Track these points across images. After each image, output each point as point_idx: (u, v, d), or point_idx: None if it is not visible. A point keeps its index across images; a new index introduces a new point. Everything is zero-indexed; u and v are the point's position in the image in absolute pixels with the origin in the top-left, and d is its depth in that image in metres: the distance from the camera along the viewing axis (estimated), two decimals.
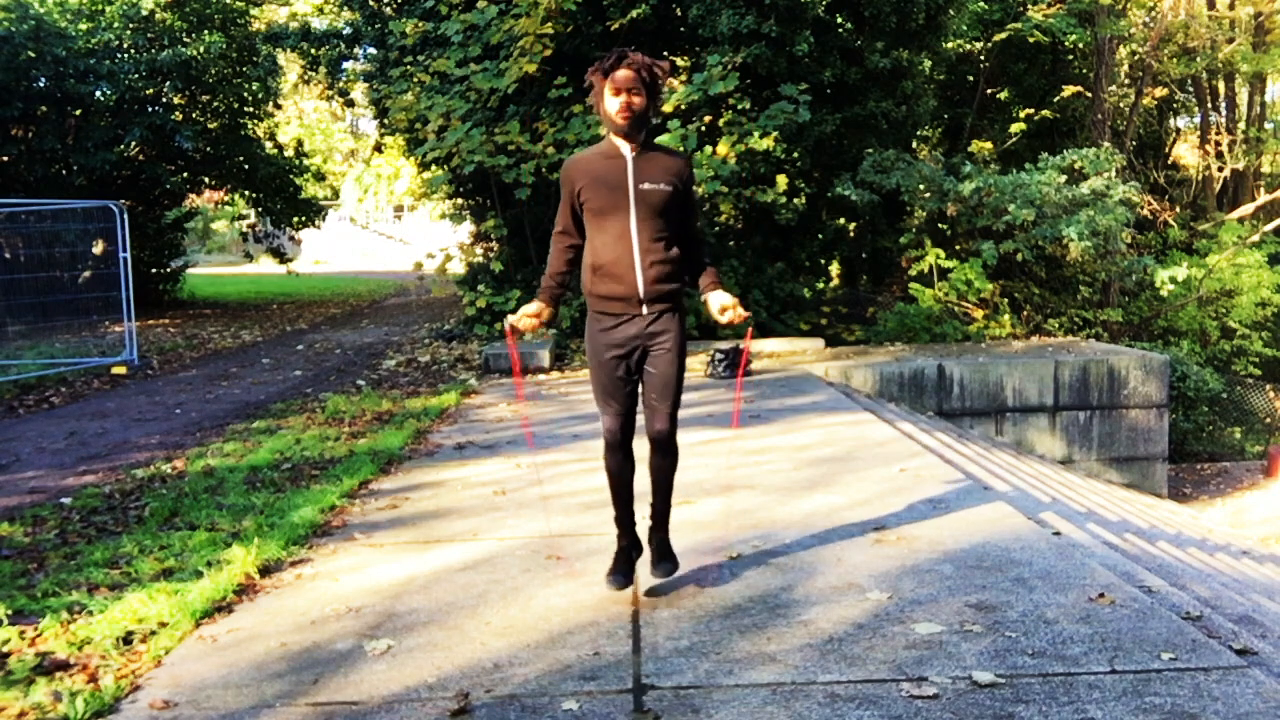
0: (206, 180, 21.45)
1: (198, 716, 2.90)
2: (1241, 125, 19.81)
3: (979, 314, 12.93)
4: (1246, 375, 16.11)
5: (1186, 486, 11.69)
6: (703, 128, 11.12)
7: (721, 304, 3.56)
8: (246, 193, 22.15)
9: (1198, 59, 17.91)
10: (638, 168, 3.49)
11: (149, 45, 17.99)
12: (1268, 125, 20.33)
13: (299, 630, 3.53)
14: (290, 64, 21.95)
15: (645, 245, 3.48)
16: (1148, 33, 18.10)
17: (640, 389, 3.65)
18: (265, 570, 4.18)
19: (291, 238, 28.48)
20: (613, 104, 3.44)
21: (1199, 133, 20.42)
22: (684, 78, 12.22)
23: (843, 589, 3.75)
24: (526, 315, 3.59)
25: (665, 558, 3.77)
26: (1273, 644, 3.48)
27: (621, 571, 3.73)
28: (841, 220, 14.81)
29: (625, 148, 3.51)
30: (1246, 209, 18.60)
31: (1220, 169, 19.06)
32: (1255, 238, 17.35)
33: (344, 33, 16.56)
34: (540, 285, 3.69)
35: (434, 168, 12.65)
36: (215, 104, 20.00)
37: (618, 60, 3.44)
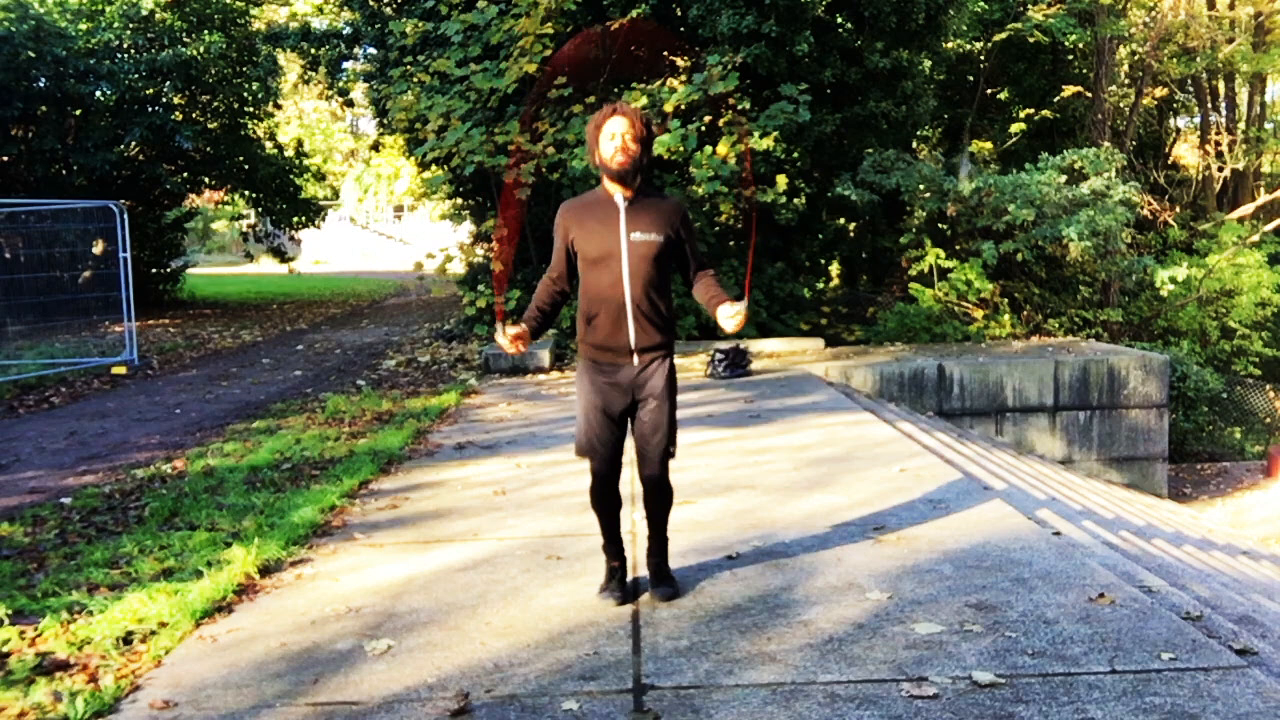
0: (206, 180, 21.45)
1: (198, 716, 2.90)
2: (1241, 125, 19.79)
3: (979, 314, 12.93)
4: (1246, 375, 16.09)
5: (1186, 486, 11.68)
6: (703, 128, 11.11)
7: (727, 314, 3.54)
8: (246, 193, 22.16)
9: (1198, 59, 17.89)
10: (630, 217, 3.52)
11: (149, 45, 17.99)
12: (1268, 125, 20.31)
13: (299, 630, 3.53)
14: (290, 64, 21.94)
15: (637, 296, 3.51)
16: (1148, 33, 18.08)
17: (630, 436, 3.67)
18: (265, 570, 4.18)
19: (291, 238, 28.49)
20: (608, 148, 3.48)
21: (1199, 133, 20.40)
22: (684, 78, 12.22)
23: (843, 589, 3.75)
24: (513, 335, 3.54)
25: (665, 581, 3.78)
26: (1273, 644, 3.48)
27: (617, 589, 3.73)
28: (841, 220, 14.80)
29: (619, 195, 3.54)
30: (1246, 209, 18.58)
31: (1220, 169, 19.04)
32: (1255, 238, 17.33)
33: (344, 33, 16.55)
34: (527, 310, 3.69)
35: (434, 168, 12.64)
36: (215, 104, 20.00)
37: (615, 109, 3.51)
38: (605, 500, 3.69)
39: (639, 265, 3.50)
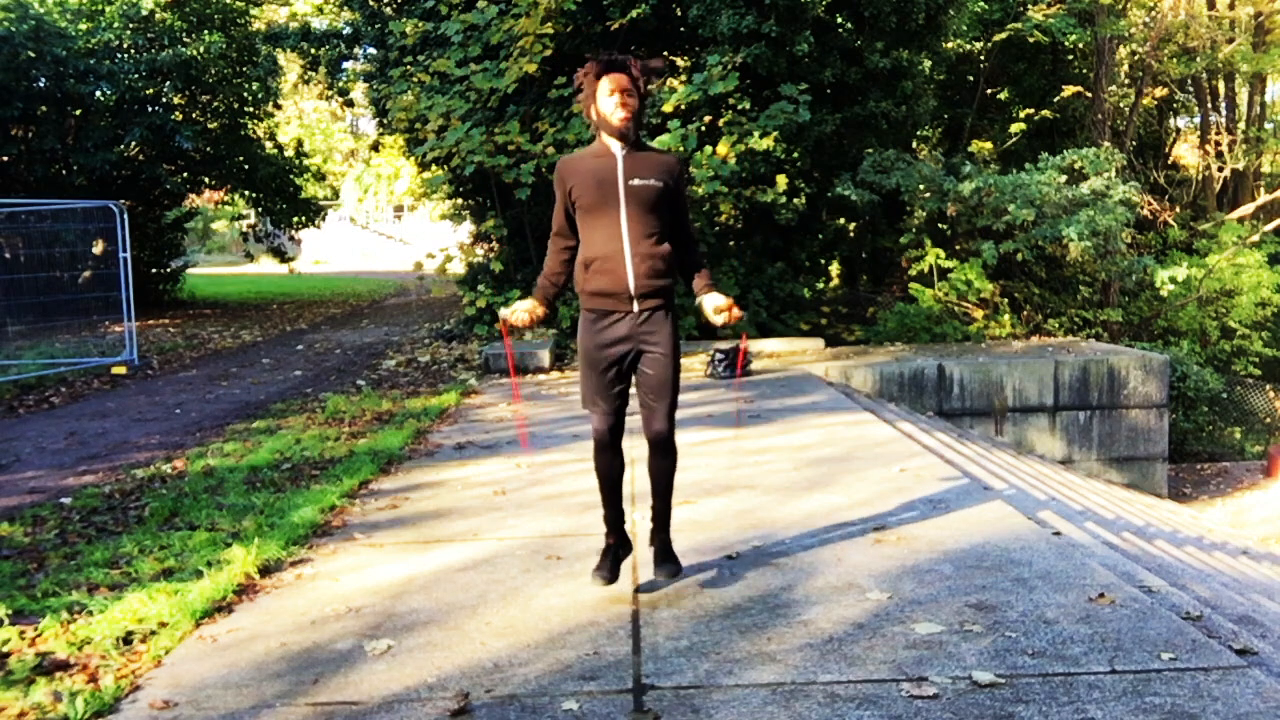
0: (206, 180, 21.45)
1: (198, 716, 2.90)
2: (1241, 125, 19.79)
3: (979, 314, 12.93)
4: (1246, 375, 16.09)
5: (1186, 486, 11.68)
6: (703, 128, 11.12)
7: (715, 305, 3.58)
8: (246, 193, 22.16)
9: (1198, 59, 17.89)
10: (628, 165, 3.52)
11: (149, 45, 17.99)
12: (1268, 125, 20.31)
13: (299, 630, 3.53)
14: (290, 64, 21.95)
15: (635, 241, 3.51)
16: (1148, 33, 18.08)
17: (635, 391, 3.66)
18: (265, 570, 4.18)
19: (291, 238, 28.51)
20: (608, 104, 3.48)
21: (1199, 133, 20.40)
22: (684, 78, 12.22)
23: (843, 589, 3.75)
24: (522, 310, 3.62)
25: (668, 559, 3.77)
26: (1273, 644, 3.48)
27: (608, 567, 3.73)
28: (841, 220, 14.80)
29: (616, 147, 3.54)
30: (1246, 209, 18.59)
31: (1220, 169, 19.05)
32: (1255, 238, 17.33)
33: (344, 33, 16.55)
34: (536, 284, 3.71)
35: (434, 168, 12.65)
36: (215, 104, 20.01)
37: (613, 63, 3.48)
38: (608, 459, 3.67)
39: (637, 211, 3.50)
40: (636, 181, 3.50)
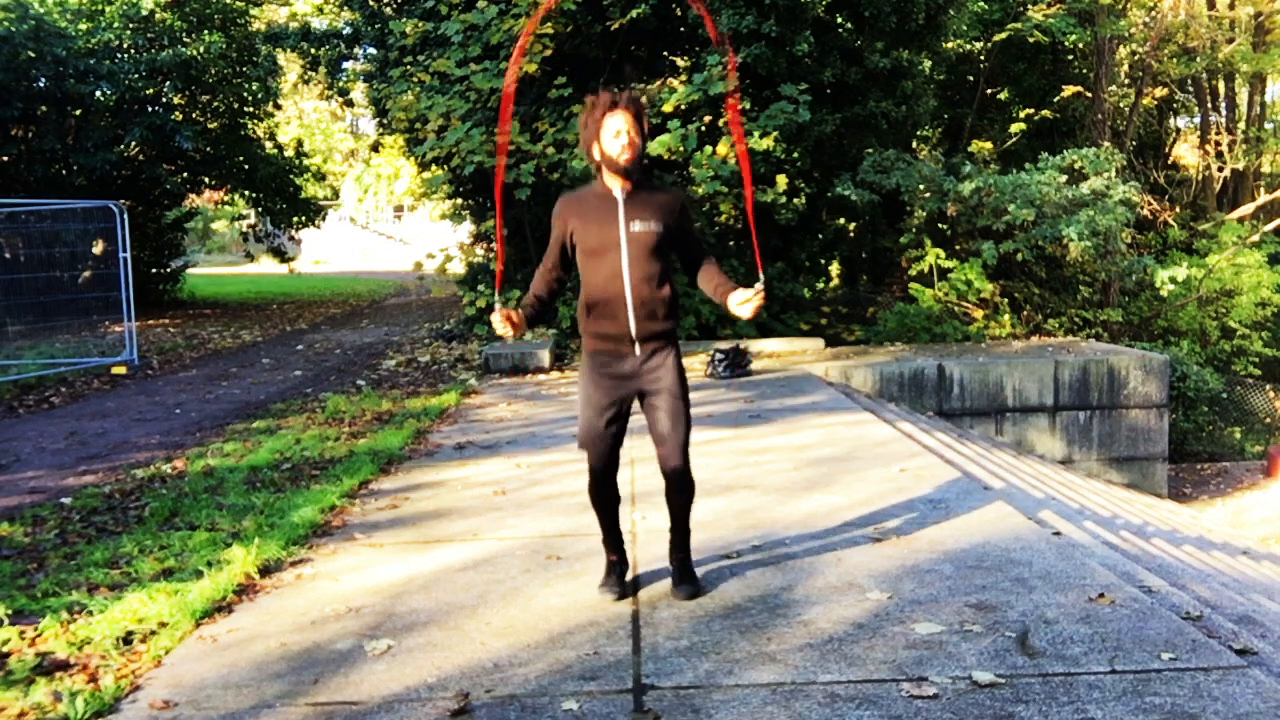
0: (206, 180, 21.46)
1: (198, 716, 2.90)
2: (1241, 125, 19.80)
3: (979, 314, 12.93)
4: (1246, 375, 16.09)
5: (1186, 486, 11.68)
6: (703, 128, 11.12)
7: (739, 299, 3.52)
8: (246, 193, 22.17)
9: (1198, 59, 17.90)
10: (629, 208, 3.50)
11: (149, 45, 18.00)
12: (1268, 125, 20.32)
13: (299, 630, 3.53)
14: (290, 64, 21.96)
15: (636, 285, 3.49)
16: (1148, 33, 18.09)
17: (647, 428, 3.64)
18: (265, 570, 4.18)
19: (291, 238, 28.52)
20: (614, 145, 3.45)
21: (1199, 133, 20.40)
22: (684, 78, 12.23)
23: (843, 589, 3.75)
24: (507, 320, 3.51)
25: (687, 579, 3.74)
26: (1273, 644, 3.48)
27: (615, 584, 3.73)
28: (841, 220, 14.80)
29: (617, 188, 3.52)
30: (1246, 209, 18.59)
31: (1220, 169, 19.05)
32: (1255, 238, 17.34)
33: (344, 33, 16.57)
34: (523, 301, 3.70)
35: (434, 168, 12.65)
36: (215, 104, 20.01)
37: (615, 102, 3.46)
38: (602, 496, 3.68)
39: (639, 255, 3.48)
40: (638, 226, 3.48)
